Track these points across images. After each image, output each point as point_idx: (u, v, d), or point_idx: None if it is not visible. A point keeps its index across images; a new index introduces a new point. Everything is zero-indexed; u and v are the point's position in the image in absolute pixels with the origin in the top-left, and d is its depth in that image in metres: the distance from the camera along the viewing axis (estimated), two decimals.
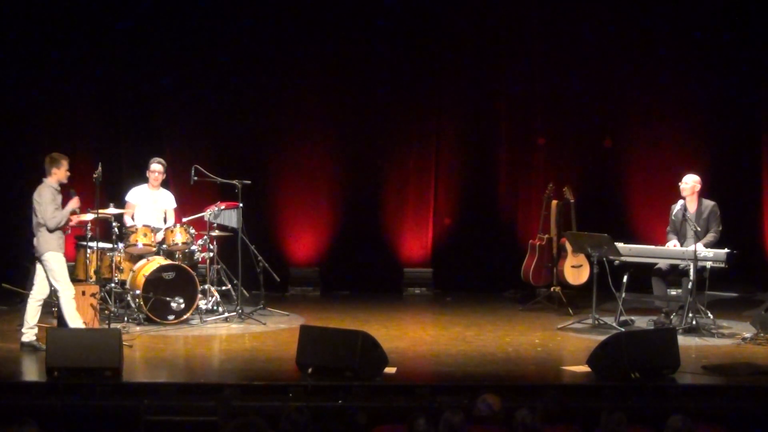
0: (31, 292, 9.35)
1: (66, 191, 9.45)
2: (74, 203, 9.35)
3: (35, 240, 9.28)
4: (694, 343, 9.59)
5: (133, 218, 10.93)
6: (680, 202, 10.55)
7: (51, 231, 9.16)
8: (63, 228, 9.30)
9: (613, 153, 13.14)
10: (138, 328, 10.12)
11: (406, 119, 13.21)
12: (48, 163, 9.31)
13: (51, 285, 9.27)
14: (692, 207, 10.53)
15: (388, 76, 13.07)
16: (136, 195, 11.02)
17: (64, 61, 12.61)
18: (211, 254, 10.85)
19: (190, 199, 12.12)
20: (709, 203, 10.55)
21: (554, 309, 11.45)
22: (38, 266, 9.34)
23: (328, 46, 12.98)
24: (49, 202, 9.16)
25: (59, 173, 9.28)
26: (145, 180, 11.08)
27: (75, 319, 9.19)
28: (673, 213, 10.58)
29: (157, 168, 11.00)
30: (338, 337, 8.36)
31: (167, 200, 11.13)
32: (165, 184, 11.24)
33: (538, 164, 13.08)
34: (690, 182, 10.55)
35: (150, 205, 11.01)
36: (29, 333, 9.21)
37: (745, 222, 12.70)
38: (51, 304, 10.54)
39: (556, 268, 11.70)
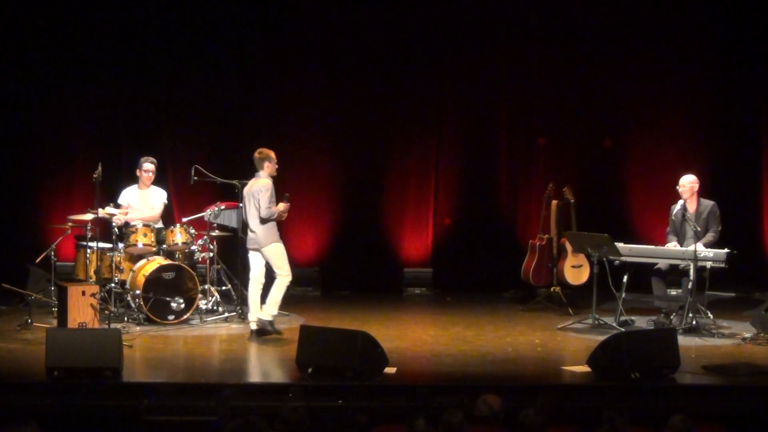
0: (250, 287, 9.88)
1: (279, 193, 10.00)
2: (284, 207, 9.95)
3: (254, 234, 9.81)
4: (694, 343, 9.59)
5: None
6: (680, 202, 10.56)
7: (263, 223, 9.74)
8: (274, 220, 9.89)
9: (613, 153, 13.14)
10: (138, 328, 10.12)
11: (406, 119, 13.21)
12: (259, 159, 9.86)
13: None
14: (692, 207, 10.54)
15: (388, 76, 13.07)
16: (126, 196, 11.01)
17: (64, 61, 12.60)
18: (211, 254, 10.85)
19: (190, 199, 12.13)
20: (708, 203, 10.56)
21: (554, 309, 11.45)
22: (251, 260, 9.92)
23: (327, 46, 12.98)
24: (269, 195, 9.75)
25: (270, 168, 9.86)
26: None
27: (275, 305, 9.81)
28: (673, 213, 10.59)
29: (150, 168, 11.00)
30: (338, 337, 8.36)
31: (156, 197, 11.11)
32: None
33: (538, 164, 13.08)
34: (687, 184, 10.55)
35: (139, 205, 10.99)
36: (266, 313, 9.81)
37: (745, 222, 12.70)
38: (51, 305, 10.58)
39: (556, 268, 11.70)
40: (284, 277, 9.87)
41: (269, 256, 9.86)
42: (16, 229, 12.51)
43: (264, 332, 9.78)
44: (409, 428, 5.81)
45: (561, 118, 13.14)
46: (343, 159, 13.20)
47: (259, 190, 9.77)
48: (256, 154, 9.93)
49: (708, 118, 13.02)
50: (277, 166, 9.97)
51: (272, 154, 9.91)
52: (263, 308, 9.84)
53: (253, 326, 9.83)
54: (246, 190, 10.00)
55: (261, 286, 9.91)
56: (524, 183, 13.18)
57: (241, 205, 10.90)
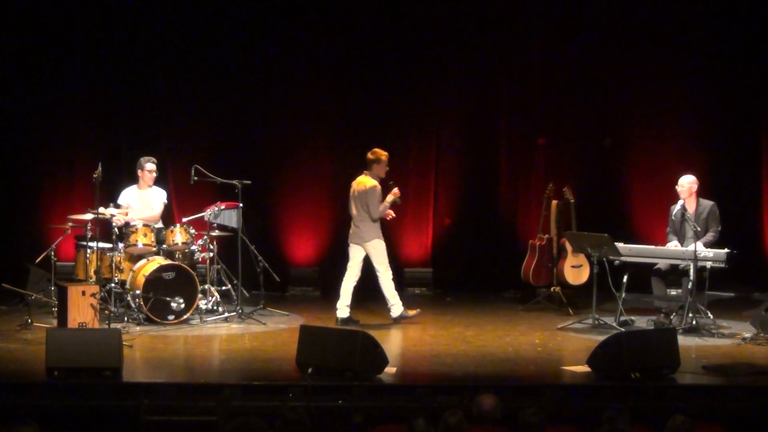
0: (345, 277, 10.56)
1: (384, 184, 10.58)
2: (394, 196, 10.48)
3: (357, 229, 10.50)
4: (694, 343, 9.59)
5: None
6: (680, 202, 10.56)
7: (374, 221, 10.39)
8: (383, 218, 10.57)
9: (613, 153, 13.14)
10: (138, 328, 10.12)
11: (406, 119, 13.21)
12: (369, 159, 10.53)
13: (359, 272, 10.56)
14: (691, 207, 10.55)
15: (388, 76, 13.07)
16: (126, 197, 11.01)
17: (63, 61, 12.60)
18: (211, 254, 10.85)
19: (190, 199, 12.13)
20: (707, 203, 10.57)
21: (554, 309, 11.45)
22: (351, 253, 10.57)
23: (327, 46, 12.98)
24: (376, 197, 10.39)
25: (379, 169, 10.47)
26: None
27: (393, 297, 10.51)
28: (673, 213, 10.60)
29: (153, 167, 11.00)
30: (338, 337, 8.36)
31: (156, 197, 11.11)
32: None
33: (538, 164, 13.08)
34: (686, 184, 10.56)
35: (139, 205, 10.99)
36: (344, 310, 10.51)
37: (745, 222, 12.70)
38: (51, 305, 10.58)
39: (556, 268, 11.70)
40: (384, 272, 10.50)
41: (371, 251, 10.51)
42: (16, 229, 12.51)
43: (348, 322, 10.45)
44: (409, 428, 5.81)
45: (561, 118, 13.14)
46: (343, 159, 13.19)
47: (365, 193, 10.43)
48: (369, 155, 10.54)
49: (708, 118, 13.02)
50: (387, 168, 10.51)
51: (383, 157, 10.48)
52: (393, 308, 10.52)
53: (340, 314, 10.51)
54: (353, 185, 10.60)
55: (356, 280, 10.55)
56: (524, 183, 13.18)
57: (240, 204, 10.94)
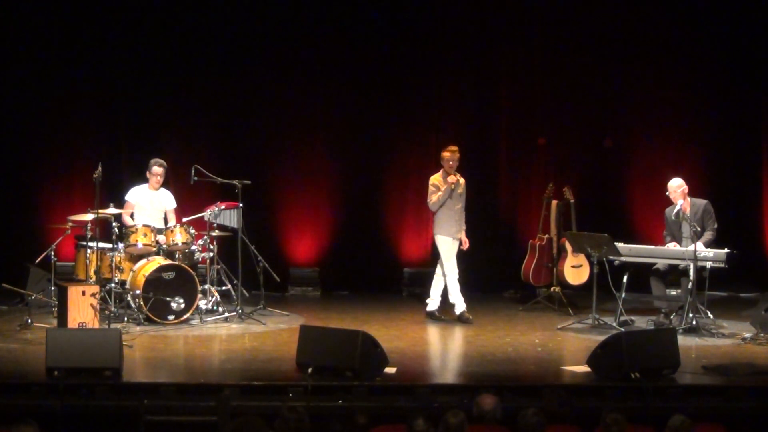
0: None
1: None
2: (449, 182, 10.63)
3: None
4: (694, 343, 9.60)
5: (132, 218, 10.93)
6: (680, 202, 10.55)
7: (434, 214, 10.72)
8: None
9: (613, 153, 13.14)
10: (138, 328, 10.11)
11: (406, 119, 13.21)
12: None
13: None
14: (686, 208, 10.53)
15: (388, 76, 13.07)
16: (135, 195, 11.02)
17: (63, 60, 12.59)
18: (211, 254, 10.85)
19: (190, 199, 12.12)
20: (700, 202, 10.56)
21: (554, 309, 11.46)
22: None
23: (327, 46, 12.98)
24: (429, 190, 10.72)
25: (444, 163, 10.73)
26: (146, 180, 11.07)
27: (433, 291, 10.78)
28: (672, 215, 10.58)
29: (159, 171, 11.00)
30: (338, 337, 8.36)
31: (167, 200, 11.14)
32: (165, 184, 11.24)
33: (538, 164, 13.08)
34: (677, 188, 10.52)
35: (149, 205, 11.01)
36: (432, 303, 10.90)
37: (745, 222, 12.71)
38: (51, 305, 10.57)
39: (556, 268, 11.71)
40: (449, 272, 10.66)
41: (437, 245, 10.79)
42: (16, 229, 12.51)
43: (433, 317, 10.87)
44: (409, 428, 5.81)
45: (561, 118, 13.14)
46: (343, 159, 13.20)
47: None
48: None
49: (708, 118, 13.03)
50: (451, 163, 10.66)
51: (444, 152, 10.74)
52: (428, 302, 10.87)
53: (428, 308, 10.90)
54: None
55: (442, 276, 10.73)
56: (524, 183, 13.18)
57: (240, 204, 10.94)
